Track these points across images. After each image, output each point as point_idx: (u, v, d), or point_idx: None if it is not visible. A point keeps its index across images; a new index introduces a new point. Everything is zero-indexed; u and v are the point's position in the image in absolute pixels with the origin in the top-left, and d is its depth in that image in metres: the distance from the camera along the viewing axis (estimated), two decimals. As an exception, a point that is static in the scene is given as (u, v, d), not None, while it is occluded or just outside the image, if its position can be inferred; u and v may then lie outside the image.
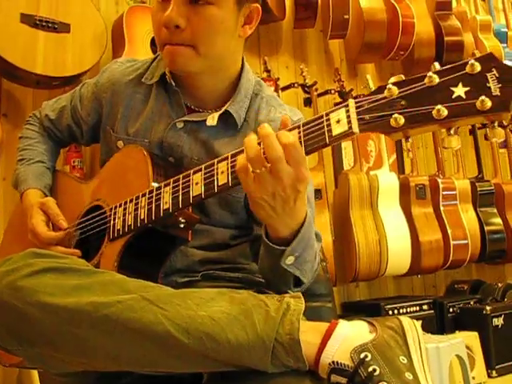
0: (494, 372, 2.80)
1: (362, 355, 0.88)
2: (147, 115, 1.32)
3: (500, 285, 3.29)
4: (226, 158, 1.03)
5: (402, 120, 0.86)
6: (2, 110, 2.38)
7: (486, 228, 3.23)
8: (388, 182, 2.92)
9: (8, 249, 1.50)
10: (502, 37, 3.75)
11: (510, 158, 3.70)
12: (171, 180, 1.12)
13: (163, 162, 1.25)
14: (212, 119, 1.26)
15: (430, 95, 0.85)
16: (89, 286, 0.96)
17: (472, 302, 3.07)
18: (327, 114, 0.93)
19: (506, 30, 3.85)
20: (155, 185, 1.15)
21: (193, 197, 1.06)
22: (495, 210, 3.36)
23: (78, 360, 0.98)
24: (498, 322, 2.86)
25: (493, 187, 3.39)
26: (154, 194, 1.13)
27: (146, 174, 1.19)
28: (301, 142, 0.94)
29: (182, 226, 1.15)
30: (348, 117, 0.90)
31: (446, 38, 3.39)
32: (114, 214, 1.21)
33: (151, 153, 1.23)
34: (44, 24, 2.27)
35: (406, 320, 0.94)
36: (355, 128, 0.90)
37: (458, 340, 2.39)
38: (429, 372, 0.88)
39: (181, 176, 1.10)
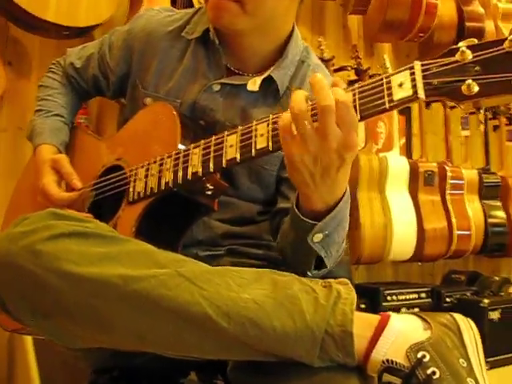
0: (487, 364, 2.76)
1: (420, 355, 0.80)
2: (182, 73, 1.23)
3: (497, 278, 3.25)
4: (267, 120, 0.94)
5: (475, 87, 0.78)
6: (7, 57, 2.25)
7: (489, 220, 3.17)
8: (398, 165, 2.84)
9: (18, 207, 1.42)
10: (521, 27, 3.66)
11: (515, 151, 3.65)
12: (202, 141, 1.03)
13: (193, 123, 1.17)
14: (253, 84, 1.18)
15: (510, 62, 0.77)
16: (115, 256, 0.87)
17: (469, 294, 3.02)
18: (388, 77, 0.84)
19: (525, 20, 3.76)
20: (182, 147, 1.07)
21: (226, 160, 0.98)
22: (499, 203, 3.30)
23: (97, 336, 0.89)
24: (494, 315, 2.83)
25: (499, 180, 3.33)
26: (182, 155, 1.05)
27: (173, 134, 1.10)
28: (355, 105, 0.85)
29: (209, 192, 1.07)
30: (413, 80, 0.82)
31: (467, 24, 3.30)
32: (135, 175, 1.13)
33: (181, 113, 1.14)
34: (58, -31, 2.14)
35: (459, 317, 0.87)
36: (421, 93, 0.81)
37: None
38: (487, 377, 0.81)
39: (213, 138, 1.02)
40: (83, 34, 2.25)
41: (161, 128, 1.15)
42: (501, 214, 3.26)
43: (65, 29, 2.18)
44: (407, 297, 2.83)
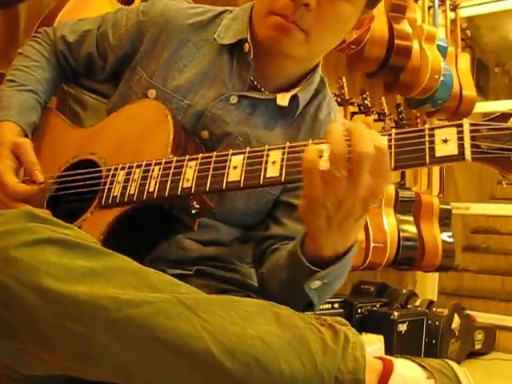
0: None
1: None
2: (197, 74, 1.14)
3: (404, 291, 3.38)
4: (283, 148, 0.87)
5: None
6: None
7: (402, 234, 3.27)
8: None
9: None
10: (442, 51, 3.81)
11: (429, 169, 3.80)
12: (199, 155, 0.95)
13: (187, 135, 1.07)
14: (282, 98, 1.12)
15: None
16: (102, 273, 0.75)
17: (378, 305, 3.11)
18: (431, 129, 0.79)
19: (446, 45, 3.92)
20: (173, 157, 0.97)
21: (227, 182, 0.90)
22: (411, 218, 3.43)
23: (72, 365, 0.76)
24: (403, 327, 2.94)
25: (413, 195, 3.45)
26: (173, 165, 0.96)
27: (165, 139, 1.00)
28: (390, 153, 0.80)
29: (193, 211, 0.98)
30: (460, 139, 0.77)
31: (396, 41, 3.38)
32: (113, 176, 1.01)
33: (176, 118, 1.05)
34: None
35: (455, 366, 0.83)
36: (468, 154, 0.76)
37: (377, 346, 2.40)
38: None
39: (214, 154, 0.93)
40: (9, 5, 2.08)
41: (151, 130, 1.04)
42: (412, 228, 3.38)
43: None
44: (322, 307, 2.86)
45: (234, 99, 1.13)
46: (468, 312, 3.51)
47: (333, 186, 0.79)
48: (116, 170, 1.02)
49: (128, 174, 1.00)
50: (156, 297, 0.75)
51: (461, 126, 0.78)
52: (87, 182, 1.06)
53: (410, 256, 3.35)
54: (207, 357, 0.72)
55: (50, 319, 0.73)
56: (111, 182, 1.02)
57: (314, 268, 0.90)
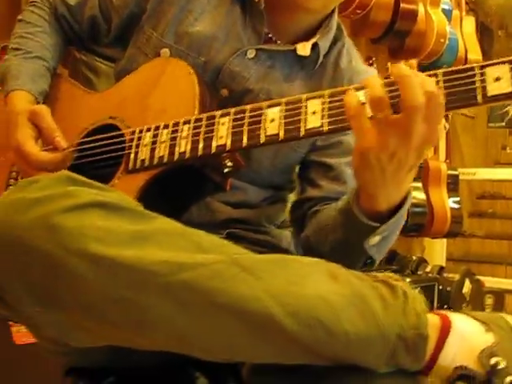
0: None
1: (493, 361, 0.72)
2: (210, 28, 1.08)
3: (414, 258, 3.36)
4: (321, 96, 0.82)
5: None
6: None
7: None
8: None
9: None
10: (447, 14, 3.75)
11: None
12: (231, 110, 0.90)
13: (210, 91, 1.02)
14: (303, 48, 1.06)
15: None
16: (150, 236, 0.71)
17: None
18: (482, 67, 0.75)
19: (451, 8, 3.86)
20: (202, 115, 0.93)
21: (266, 136, 0.85)
22: (420, 185, 3.40)
23: (124, 334, 0.72)
24: (414, 294, 2.92)
25: (421, 162, 3.41)
26: (204, 123, 0.91)
27: (190, 97, 0.95)
28: None
29: (225, 170, 0.94)
30: None
31: (402, 5, 3.32)
32: (138, 139, 0.97)
33: (199, 74, 1.00)
34: None
35: (509, 318, 0.79)
36: None
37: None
38: None
39: (248, 107, 0.89)
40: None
41: (174, 88, 1.00)
42: (421, 195, 3.36)
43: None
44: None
45: (251, 53, 1.08)
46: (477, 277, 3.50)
47: (383, 136, 0.75)
48: (141, 132, 0.98)
49: (155, 135, 0.96)
50: (209, 258, 0.70)
51: None
52: (110, 148, 1.01)
53: (419, 222, 3.33)
54: (268, 320, 0.68)
55: (100, 287, 0.68)
56: (137, 146, 0.97)
57: (373, 224, 0.86)
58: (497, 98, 0.74)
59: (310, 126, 0.83)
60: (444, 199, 3.58)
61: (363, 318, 0.70)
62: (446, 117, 3.96)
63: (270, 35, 1.10)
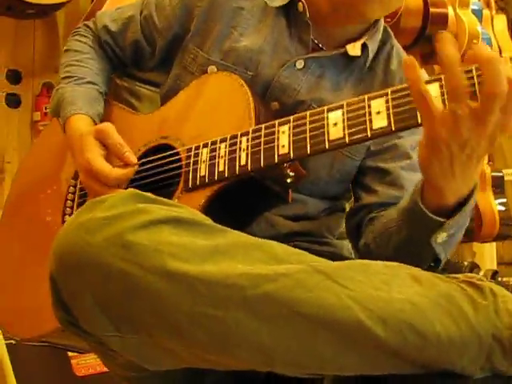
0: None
1: None
2: (256, 42, 1.07)
3: (466, 263, 3.29)
4: (385, 95, 0.80)
5: None
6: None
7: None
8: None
9: (26, 201, 1.21)
10: (477, 14, 3.70)
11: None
12: (290, 118, 0.88)
13: (262, 102, 1.00)
14: (353, 48, 1.05)
15: None
16: (226, 250, 0.69)
17: (447, 279, 3.03)
18: None
19: (481, 8, 3.81)
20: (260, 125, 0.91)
21: (330, 140, 0.83)
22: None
23: (206, 354, 0.69)
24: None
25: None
26: (263, 133, 0.89)
27: (245, 109, 0.94)
28: None
29: (288, 180, 0.92)
30: None
31: (431, 9, 3.28)
32: (196, 156, 0.96)
33: (250, 85, 0.98)
34: None
35: None
36: None
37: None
38: None
39: (307, 113, 0.87)
40: (47, 13, 2.07)
41: (227, 102, 0.98)
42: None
43: (29, 6, 1.99)
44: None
45: (300, 64, 1.06)
46: (532, 279, 3.40)
47: (457, 124, 0.72)
48: (197, 148, 0.96)
49: (212, 150, 0.94)
50: (289, 268, 0.68)
51: None
52: (166, 167, 1.00)
53: (467, 227, 3.23)
54: (357, 328, 0.65)
55: (181, 304, 0.66)
56: (195, 163, 0.96)
57: (441, 219, 0.83)
58: None
59: (376, 126, 0.80)
60: (491, 202, 3.50)
61: (454, 320, 0.67)
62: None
63: (316, 42, 1.08)
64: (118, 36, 1.20)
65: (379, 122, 0.80)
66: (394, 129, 0.79)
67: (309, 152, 0.85)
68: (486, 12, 3.85)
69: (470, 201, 0.83)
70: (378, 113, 0.80)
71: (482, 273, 3.21)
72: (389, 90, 0.81)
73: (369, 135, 0.81)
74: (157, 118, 1.09)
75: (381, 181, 1.08)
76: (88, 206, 0.72)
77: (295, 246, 1.01)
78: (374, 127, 0.80)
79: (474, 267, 3.26)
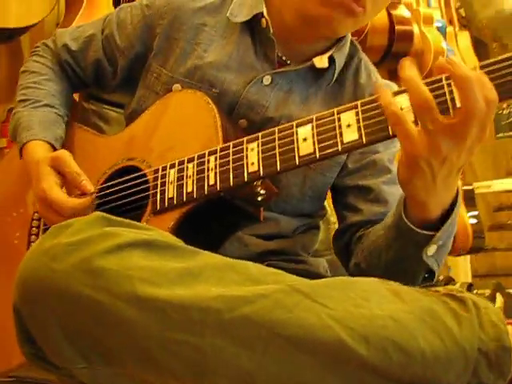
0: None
1: None
2: (220, 59, 1.05)
3: (441, 277, 3.28)
4: (354, 108, 0.78)
5: None
6: None
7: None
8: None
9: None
10: (441, 31, 3.76)
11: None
12: (259, 134, 0.86)
13: (230, 120, 0.98)
14: (320, 61, 1.03)
15: None
16: (199, 272, 0.66)
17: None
18: None
19: (444, 25, 3.87)
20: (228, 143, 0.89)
21: (300, 156, 0.80)
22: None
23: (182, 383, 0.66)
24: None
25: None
26: (231, 151, 0.87)
27: (212, 127, 0.91)
28: None
29: (259, 198, 0.89)
30: None
31: (396, 27, 3.32)
32: (163, 177, 0.93)
33: (215, 102, 0.96)
34: (-16, -37, 1.91)
35: None
36: None
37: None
38: None
39: (276, 129, 0.84)
40: (13, 37, 2.04)
41: (193, 120, 0.95)
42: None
43: (-7, 31, 1.95)
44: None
45: (267, 80, 1.04)
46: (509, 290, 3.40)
47: (434, 142, 0.71)
48: (164, 169, 0.93)
49: (180, 170, 0.91)
50: (267, 288, 0.65)
51: None
52: (133, 190, 0.97)
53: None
54: (339, 347, 0.63)
55: (153, 332, 0.63)
56: (162, 184, 0.93)
57: (428, 233, 0.81)
58: None
59: (347, 139, 0.78)
60: (463, 215, 3.52)
61: (438, 335, 0.65)
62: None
63: (283, 58, 1.07)
64: (78, 55, 1.17)
65: (350, 135, 0.78)
66: (365, 142, 0.77)
67: (279, 169, 0.83)
68: (449, 29, 3.92)
69: (455, 209, 0.82)
70: (349, 126, 0.78)
71: (457, 286, 3.21)
72: (358, 103, 0.79)
73: (340, 149, 0.79)
74: (122, 140, 1.06)
75: (364, 198, 1.06)
76: (52, 232, 0.69)
77: (269, 265, 0.99)
78: (344, 141, 0.78)
79: (450, 281, 3.26)
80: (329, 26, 0.99)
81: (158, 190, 0.93)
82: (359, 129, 0.77)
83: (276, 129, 0.85)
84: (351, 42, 1.12)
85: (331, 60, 1.05)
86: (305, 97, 1.06)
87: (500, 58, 0.72)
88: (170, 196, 0.91)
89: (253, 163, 0.85)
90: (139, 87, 1.11)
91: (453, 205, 0.81)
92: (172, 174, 0.92)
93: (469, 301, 0.69)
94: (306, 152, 0.81)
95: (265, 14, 1.03)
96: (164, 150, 0.97)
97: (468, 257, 3.95)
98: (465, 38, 4.02)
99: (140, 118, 1.06)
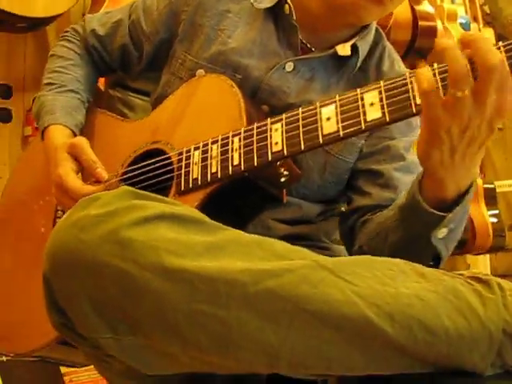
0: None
1: None
2: (244, 45, 1.06)
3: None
4: (378, 87, 0.79)
5: None
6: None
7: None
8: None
9: (16, 208, 1.20)
10: (465, 28, 3.74)
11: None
12: (283, 116, 0.87)
13: (253, 103, 0.99)
14: (343, 49, 1.03)
15: None
16: (225, 246, 0.67)
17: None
18: None
19: (468, 21, 3.85)
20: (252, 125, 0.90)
21: (323, 135, 0.82)
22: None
23: (208, 357, 0.66)
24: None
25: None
26: (255, 132, 0.88)
27: (236, 109, 0.93)
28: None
29: (282, 179, 0.90)
30: None
31: (420, 23, 3.31)
32: (187, 158, 0.94)
33: (240, 87, 0.97)
34: (13, -48, 1.94)
35: None
36: None
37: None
38: None
39: (299, 110, 0.86)
40: (38, 26, 2.07)
41: (217, 103, 0.97)
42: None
43: (19, 19, 1.98)
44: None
45: (289, 66, 1.05)
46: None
47: (458, 108, 0.71)
48: (189, 151, 0.95)
49: (204, 152, 0.93)
50: (293, 264, 0.66)
51: None
52: (158, 172, 0.99)
53: (461, 239, 3.22)
54: (364, 324, 0.63)
55: (179, 303, 0.64)
56: (187, 165, 0.94)
57: (441, 213, 0.81)
58: None
59: (370, 117, 0.79)
60: (484, 214, 3.50)
61: (462, 314, 0.65)
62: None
63: (306, 44, 1.07)
64: (105, 40, 1.20)
65: (373, 113, 0.79)
66: (388, 120, 0.78)
67: (303, 148, 0.84)
68: (473, 25, 3.89)
69: (470, 192, 0.82)
70: (372, 104, 0.79)
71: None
72: (381, 82, 0.80)
73: (363, 127, 0.80)
74: (147, 124, 1.08)
75: (374, 183, 1.06)
76: (81, 204, 0.70)
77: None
78: (368, 119, 0.79)
79: (470, 279, 3.24)
80: (355, 13, 0.99)
81: (183, 171, 0.95)
82: (382, 107, 0.78)
83: (300, 109, 0.86)
84: (376, 30, 1.13)
85: (354, 48, 1.06)
86: (326, 85, 1.07)
87: None
88: (194, 177, 0.93)
89: (277, 143, 0.86)
90: (164, 73, 1.13)
91: (469, 188, 0.82)
92: (196, 155, 0.94)
93: (494, 283, 0.69)
94: (329, 131, 0.82)
95: (288, 0, 1.04)
96: (188, 133, 0.98)
97: (488, 256, 3.92)
98: (489, 35, 3.99)
99: (164, 102, 1.07)
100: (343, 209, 1.18)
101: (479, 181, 3.59)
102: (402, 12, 3.25)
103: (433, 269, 0.72)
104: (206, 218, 0.73)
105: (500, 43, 0.74)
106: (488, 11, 4.41)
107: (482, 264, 3.99)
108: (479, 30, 3.93)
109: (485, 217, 3.50)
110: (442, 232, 0.84)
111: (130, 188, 0.72)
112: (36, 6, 1.96)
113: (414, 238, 0.87)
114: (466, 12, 4.03)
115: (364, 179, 1.08)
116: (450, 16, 3.67)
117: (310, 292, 0.64)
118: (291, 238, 1.05)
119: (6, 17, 1.95)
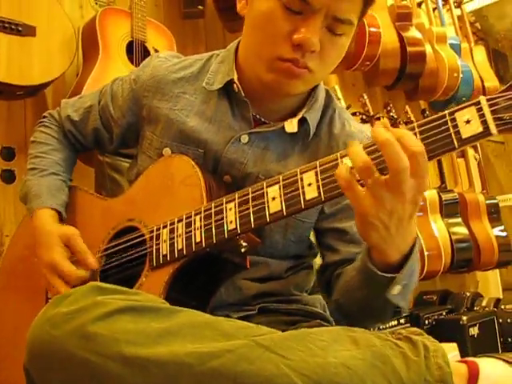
0: (473, 381, 2.76)
1: None
2: (203, 123, 1.15)
3: (468, 294, 3.30)
4: (314, 168, 0.88)
5: None
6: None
7: (453, 237, 3.21)
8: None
9: (10, 277, 1.30)
10: (455, 48, 3.80)
11: (467, 167, 3.76)
12: (235, 195, 0.96)
13: (214, 178, 1.09)
14: (290, 125, 1.12)
15: None
16: (177, 331, 0.76)
17: (444, 313, 3.04)
18: (451, 114, 0.80)
19: (458, 42, 3.91)
20: (210, 203, 0.99)
21: (270, 214, 0.91)
22: (460, 220, 3.37)
23: None
24: (474, 331, 2.85)
25: (457, 196, 3.40)
26: (213, 211, 0.97)
27: (197, 190, 1.02)
28: None
29: (242, 250, 0.99)
30: (481, 116, 0.78)
31: (408, 49, 3.38)
32: (157, 236, 1.04)
33: (201, 165, 1.07)
34: (6, 25, 2.04)
35: None
36: (493, 129, 0.77)
37: (453, 354, 2.34)
38: None
39: (249, 190, 0.95)
40: (37, 91, 2.17)
41: (181, 183, 1.06)
42: (463, 229, 3.31)
43: (18, 88, 2.08)
44: (387, 325, 2.81)
45: (244, 139, 1.13)
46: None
47: (377, 199, 0.80)
48: (158, 229, 1.05)
49: (171, 230, 1.02)
50: (234, 344, 0.75)
51: (478, 103, 0.79)
52: (134, 249, 1.09)
53: (465, 258, 3.27)
54: None
55: None
56: (157, 243, 1.04)
57: (390, 276, 0.90)
58: (471, 139, 0.79)
59: (308, 197, 0.88)
60: (487, 230, 3.53)
61: (387, 379, 0.73)
62: (475, 147, 3.96)
63: (258, 117, 1.16)
64: (79, 125, 1.32)
65: (311, 193, 0.88)
66: (323, 199, 0.87)
67: (253, 226, 0.93)
68: (464, 45, 3.96)
69: (413, 253, 0.90)
70: (310, 185, 0.88)
71: (484, 301, 3.23)
72: (317, 163, 0.89)
73: (303, 206, 0.89)
74: (123, 202, 1.18)
75: (340, 239, 1.16)
76: (54, 302, 0.82)
77: (263, 308, 1.09)
78: (306, 198, 0.88)
79: (477, 297, 3.28)
80: (280, 88, 1.07)
81: (154, 248, 1.04)
82: (318, 187, 0.87)
83: (250, 188, 0.95)
84: (326, 93, 1.20)
85: (303, 121, 1.14)
86: (282, 152, 1.15)
87: (433, 117, 0.82)
88: (163, 253, 1.02)
89: (231, 221, 0.95)
90: (138, 153, 1.24)
91: (412, 249, 0.90)
92: (165, 233, 1.03)
93: (420, 345, 0.78)
94: (275, 210, 0.91)
95: (235, 79, 1.13)
96: (158, 212, 1.08)
97: (497, 270, 3.94)
98: (480, 53, 4.06)
99: (137, 181, 1.18)
100: (317, 262, 1.26)
101: (481, 197, 3.62)
102: (389, 41, 3.33)
103: (369, 333, 0.81)
104: (164, 304, 0.83)
105: (415, 124, 0.83)
106: (479, 27, 4.47)
107: (492, 279, 4.00)
108: (470, 48, 3.99)
109: (488, 232, 3.53)
110: (396, 289, 0.93)
111: (96, 284, 0.84)
112: (33, 74, 2.06)
113: (373, 296, 0.95)
114: (457, 32, 4.10)
115: (331, 237, 1.17)
116: (439, 38, 3.74)
117: (247, 368, 0.72)
118: (262, 295, 1.15)
119: (5, 87, 2.05)
